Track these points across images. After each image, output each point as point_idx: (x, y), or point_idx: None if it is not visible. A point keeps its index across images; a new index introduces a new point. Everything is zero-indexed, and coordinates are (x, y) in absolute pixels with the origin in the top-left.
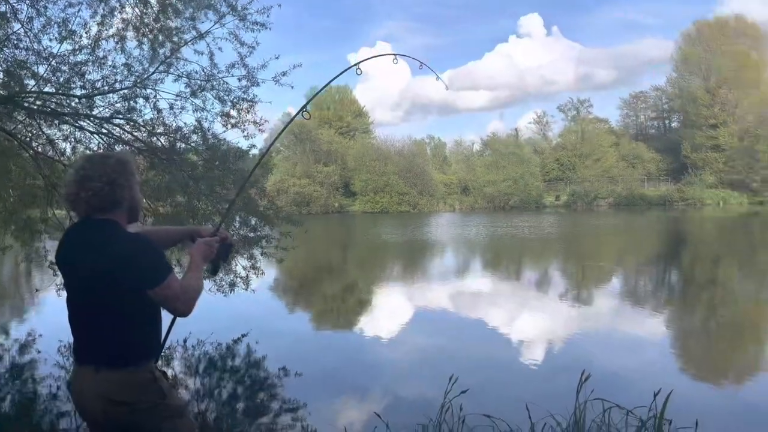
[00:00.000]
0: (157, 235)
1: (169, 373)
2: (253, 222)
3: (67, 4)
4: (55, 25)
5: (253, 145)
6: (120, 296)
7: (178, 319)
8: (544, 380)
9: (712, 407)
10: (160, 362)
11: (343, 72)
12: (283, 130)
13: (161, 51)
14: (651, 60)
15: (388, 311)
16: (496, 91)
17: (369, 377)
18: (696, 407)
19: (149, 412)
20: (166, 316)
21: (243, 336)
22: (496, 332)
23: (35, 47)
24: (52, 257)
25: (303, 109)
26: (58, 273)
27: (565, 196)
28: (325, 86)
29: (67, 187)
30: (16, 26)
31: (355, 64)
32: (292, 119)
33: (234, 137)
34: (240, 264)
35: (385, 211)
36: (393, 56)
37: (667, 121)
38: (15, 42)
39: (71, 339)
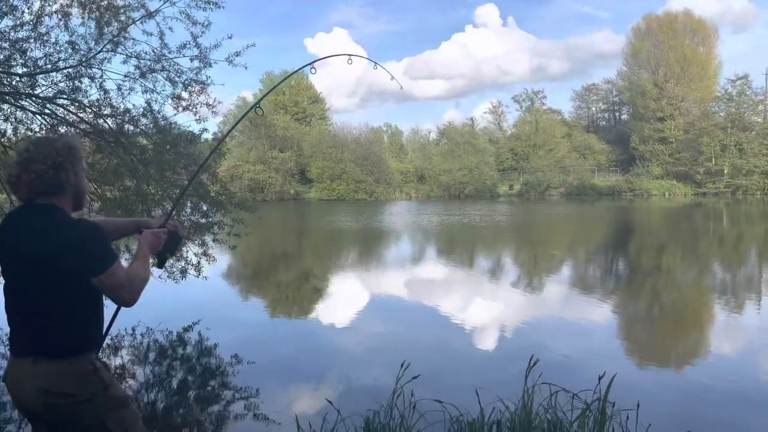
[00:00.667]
0: (104, 226)
1: (117, 362)
2: (204, 208)
3: None
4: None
5: (206, 129)
6: (62, 284)
7: (123, 308)
8: (494, 366)
9: (652, 390)
10: (106, 352)
11: (297, 70)
12: (236, 124)
13: (108, 30)
14: (602, 53)
15: (342, 299)
16: (453, 80)
17: (321, 365)
18: (638, 390)
19: (91, 403)
20: (108, 307)
21: (194, 324)
22: (448, 319)
23: None
24: None
25: (256, 105)
26: None
27: (518, 185)
28: (281, 82)
29: (9, 169)
30: None
31: (310, 63)
32: (244, 114)
33: (185, 120)
34: (191, 251)
35: (342, 199)
36: (348, 56)
37: (617, 113)
38: None
39: (7, 328)
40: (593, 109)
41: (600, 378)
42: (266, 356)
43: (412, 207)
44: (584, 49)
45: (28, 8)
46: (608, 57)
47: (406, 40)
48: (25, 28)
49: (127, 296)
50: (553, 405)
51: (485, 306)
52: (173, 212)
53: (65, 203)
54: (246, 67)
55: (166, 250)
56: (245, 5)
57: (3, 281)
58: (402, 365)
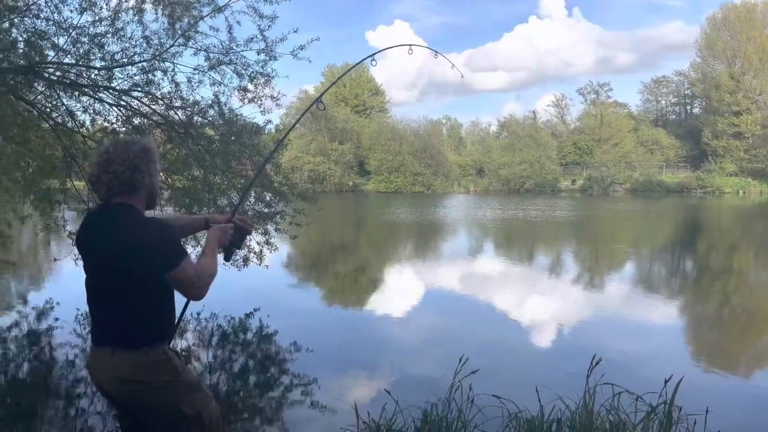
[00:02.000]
0: (174, 223)
1: (183, 345)
2: (267, 198)
3: None
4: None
5: (270, 121)
6: (135, 279)
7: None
8: (553, 364)
9: (722, 395)
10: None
11: (359, 63)
12: (299, 118)
13: (178, 25)
14: (673, 44)
15: (400, 290)
16: (514, 72)
17: (379, 355)
18: (704, 395)
19: (165, 390)
20: (179, 297)
21: (255, 311)
22: (507, 314)
23: (55, 18)
24: (70, 227)
25: (318, 99)
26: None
27: (581, 180)
28: (342, 75)
29: (90, 169)
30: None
31: (371, 56)
32: (307, 109)
33: (250, 112)
34: (254, 239)
35: (399, 191)
36: (408, 47)
37: (688, 107)
38: (35, 12)
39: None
40: (662, 102)
41: (666, 381)
42: (324, 344)
43: (471, 201)
44: (653, 40)
45: (105, 4)
46: (679, 48)
47: (467, 32)
48: (103, 23)
49: (195, 291)
50: (616, 406)
51: (545, 302)
52: (237, 210)
53: (139, 202)
54: (310, 61)
55: (233, 244)
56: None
57: (84, 276)
58: (460, 359)
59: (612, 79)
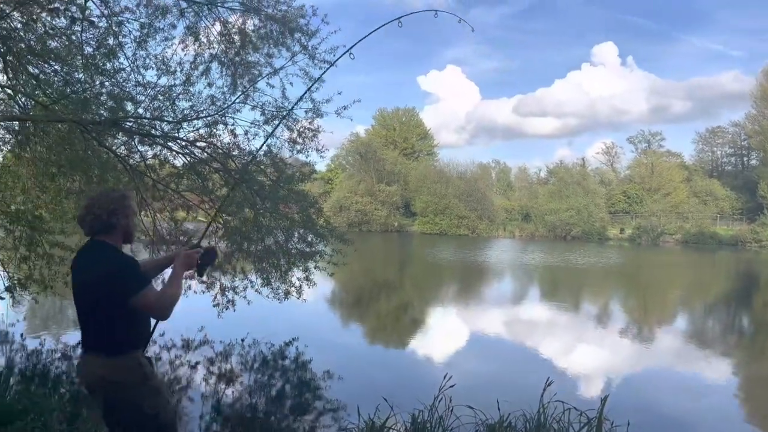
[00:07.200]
0: (146, 264)
1: (227, 367)
2: (309, 238)
3: (163, 38)
4: (154, 61)
5: (315, 171)
6: (110, 301)
7: (229, 320)
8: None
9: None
10: (219, 357)
11: (380, 27)
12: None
13: (240, 81)
14: (730, 93)
15: (430, 328)
16: (565, 118)
17: (400, 379)
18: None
19: (134, 390)
20: None
21: (293, 340)
22: (532, 355)
23: (136, 78)
24: (141, 256)
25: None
26: None
27: (629, 229)
28: (357, 42)
29: (79, 211)
30: (124, 61)
31: (396, 19)
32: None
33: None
34: (295, 275)
35: (444, 233)
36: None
37: (745, 158)
38: (123, 76)
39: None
40: (718, 152)
41: (602, 400)
42: (353, 373)
43: (515, 245)
44: (710, 88)
45: (179, 67)
46: (736, 98)
47: (519, 78)
48: (177, 86)
49: (158, 313)
50: (566, 420)
51: (574, 348)
52: (202, 239)
53: (116, 239)
54: (351, 119)
55: (204, 262)
56: (364, 43)
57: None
58: (444, 377)
59: (666, 127)
